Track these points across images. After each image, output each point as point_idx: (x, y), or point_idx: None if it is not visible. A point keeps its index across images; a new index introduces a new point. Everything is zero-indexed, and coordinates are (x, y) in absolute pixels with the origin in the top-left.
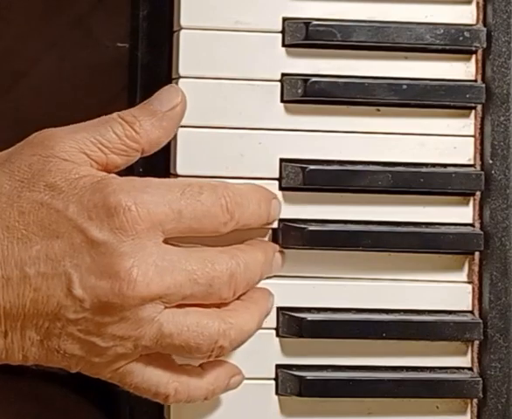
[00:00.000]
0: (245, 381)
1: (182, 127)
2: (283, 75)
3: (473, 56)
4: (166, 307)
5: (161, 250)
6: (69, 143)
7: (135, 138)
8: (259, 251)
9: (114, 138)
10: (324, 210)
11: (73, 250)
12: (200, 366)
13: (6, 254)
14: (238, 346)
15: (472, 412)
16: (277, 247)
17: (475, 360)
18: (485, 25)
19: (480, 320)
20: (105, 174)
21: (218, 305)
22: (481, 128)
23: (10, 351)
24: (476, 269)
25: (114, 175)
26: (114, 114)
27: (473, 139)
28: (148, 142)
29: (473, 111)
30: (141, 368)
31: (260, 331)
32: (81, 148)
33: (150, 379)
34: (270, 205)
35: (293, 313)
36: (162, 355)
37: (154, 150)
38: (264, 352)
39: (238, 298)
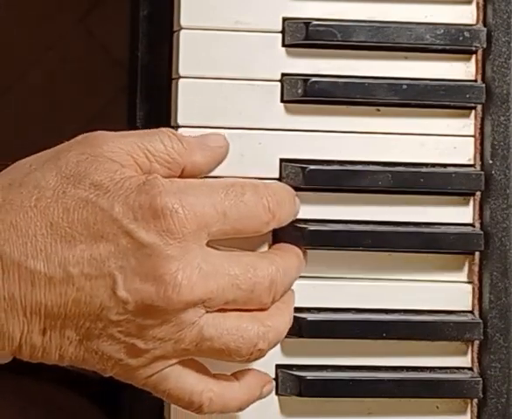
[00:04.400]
0: None
1: (182, 127)
2: (283, 75)
3: (473, 56)
4: (207, 311)
5: (204, 254)
6: (118, 145)
7: (181, 152)
8: (294, 256)
9: (161, 147)
10: (324, 210)
11: (118, 251)
12: (233, 375)
13: (49, 252)
14: (273, 347)
15: (472, 412)
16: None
17: (475, 360)
18: (485, 25)
19: (480, 320)
20: (149, 174)
21: (257, 311)
22: (481, 128)
23: (47, 349)
24: (476, 269)
25: (157, 176)
26: (165, 128)
27: (473, 139)
28: (191, 162)
29: (473, 111)
30: (176, 375)
31: None
32: (128, 151)
33: (184, 386)
34: (295, 203)
35: (293, 313)
36: (198, 364)
37: (194, 174)
38: None
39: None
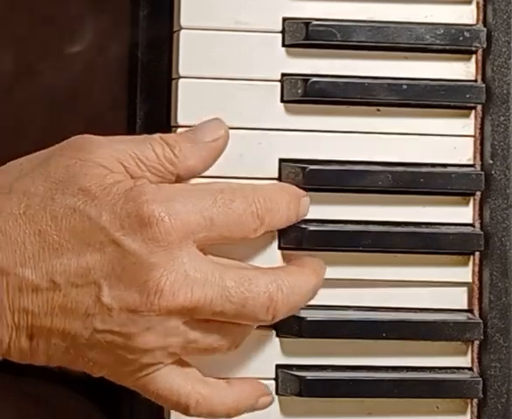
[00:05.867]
0: None
1: (182, 127)
2: (283, 75)
3: (473, 56)
4: (193, 319)
5: (193, 261)
6: (108, 151)
7: (173, 161)
8: (309, 274)
9: (153, 156)
10: (324, 210)
11: (105, 259)
12: (227, 381)
13: (37, 259)
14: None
15: (472, 412)
16: (323, 263)
17: (475, 360)
18: (485, 25)
19: (480, 320)
20: (137, 180)
21: None
22: (481, 128)
23: (34, 353)
24: (476, 269)
25: (146, 182)
26: (156, 135)
27: (473, 139)
28: (184, 169)
29: (474, 111)
30: (165, 375)
31: (260, 331)
32: (119, 158)
33: (172, 387)
34: (299, 204)
35: None
36: (188, 366)
37: (190, 177)
38: (264, 352)
39: None
